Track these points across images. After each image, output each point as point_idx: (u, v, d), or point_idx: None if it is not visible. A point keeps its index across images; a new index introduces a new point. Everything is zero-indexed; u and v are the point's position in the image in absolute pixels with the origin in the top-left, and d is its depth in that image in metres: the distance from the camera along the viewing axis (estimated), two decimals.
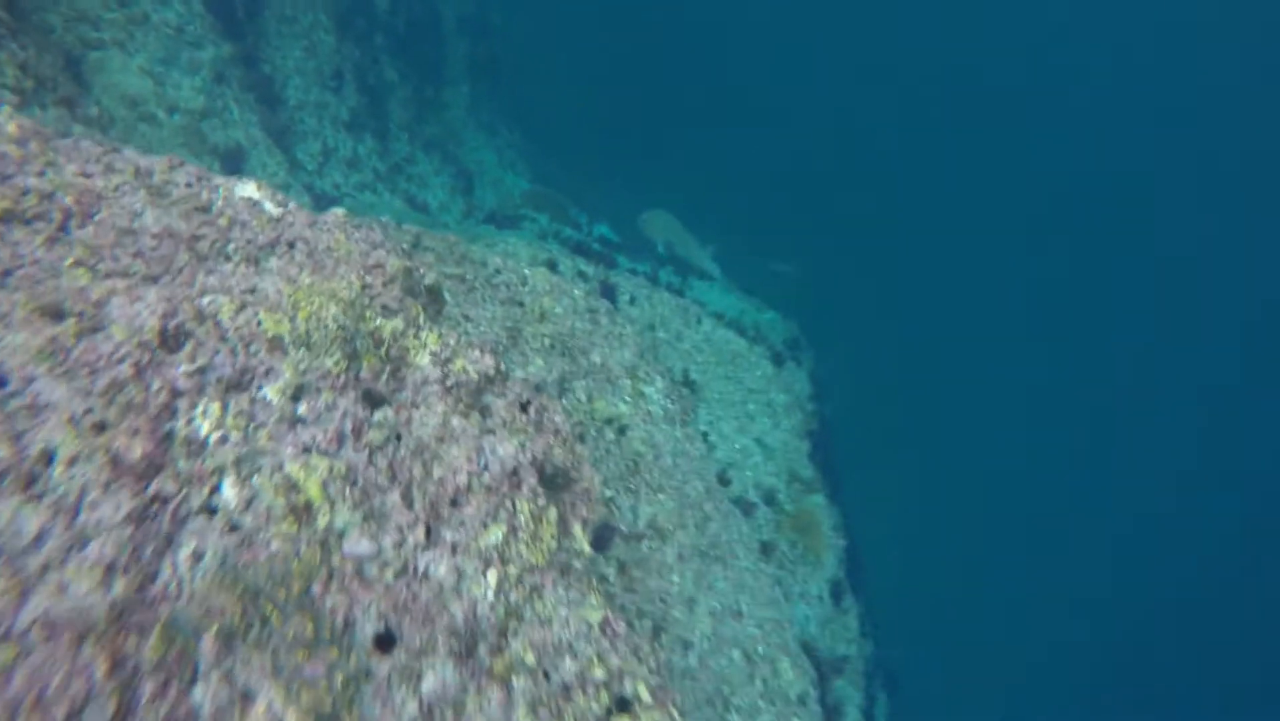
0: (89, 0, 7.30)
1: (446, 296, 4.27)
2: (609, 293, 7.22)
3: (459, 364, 3.09)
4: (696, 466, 5.67)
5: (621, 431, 5.01)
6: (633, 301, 7.49)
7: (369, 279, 3.06)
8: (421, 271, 3.51)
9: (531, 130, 19.64)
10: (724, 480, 6.44)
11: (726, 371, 7.80)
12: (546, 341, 5.04)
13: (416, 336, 3.04)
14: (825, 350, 14.26)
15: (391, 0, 12.76)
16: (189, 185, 2.96)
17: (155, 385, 2.26)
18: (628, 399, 5.29)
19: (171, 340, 2.45)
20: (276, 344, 2.60)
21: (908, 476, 21.72)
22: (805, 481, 7.61)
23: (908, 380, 25.76)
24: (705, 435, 6.67)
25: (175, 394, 2.29)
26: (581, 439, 4.77)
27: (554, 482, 3.15)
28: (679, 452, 5.49)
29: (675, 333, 7.61)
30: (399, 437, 2.79)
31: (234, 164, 7.47)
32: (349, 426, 2.65)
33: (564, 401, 4.87)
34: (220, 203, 2.95)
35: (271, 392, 2.50)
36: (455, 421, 2.96)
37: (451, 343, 3.11)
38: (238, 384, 2.45)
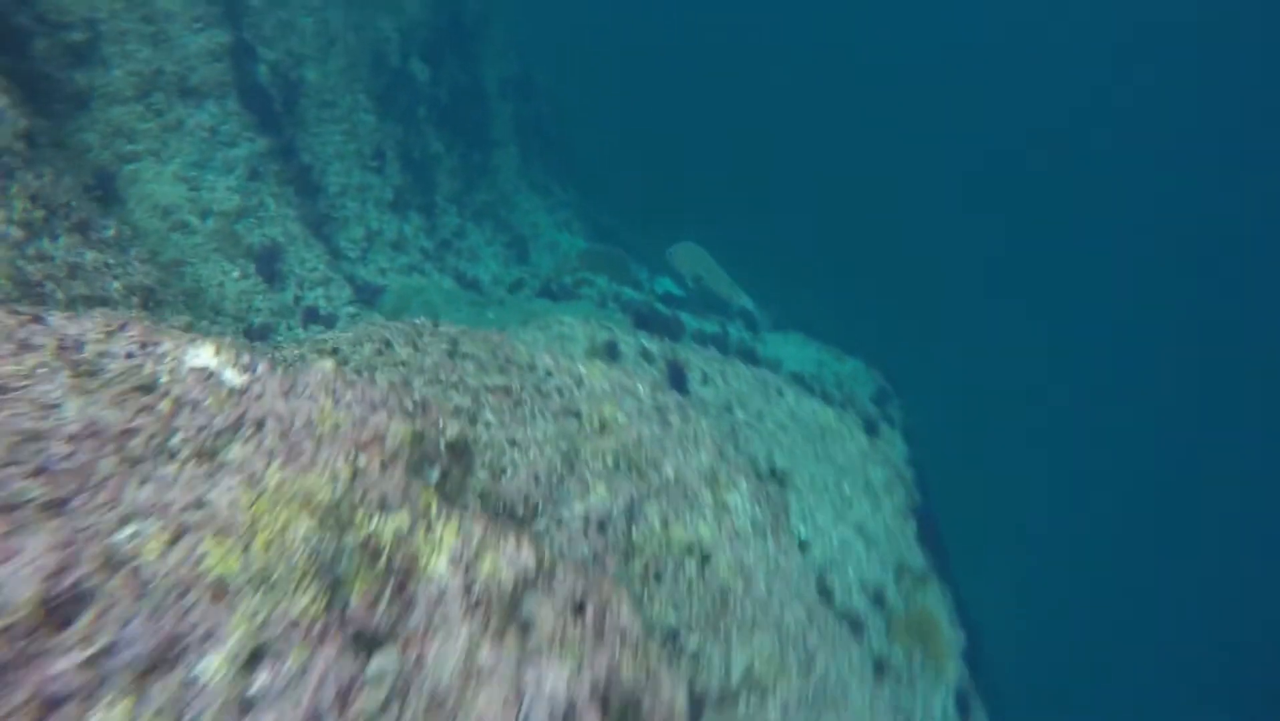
0: (125, 113, 7.08)
1: (477, 444, 3.55)
2: (678, 377, 6.45)
3: (487, 564, 2.32)
4: (794, 584, 4.78)
5: (705, 560, 4.19)
6: (705, 380, 6.71)
7: (362, 460, 2.34)
8: (440, 426, 2.78)
9: (585, 185, 19.28)
10: (825, 589, 5.50)
11: (816, 450, 6.91)
12: (609, 459, 4.28)
13: (428, 533, 2.30)
14: (912, 396, 13.14)
15: (432, 71, 12.54)
16: (129, 356, 2.31)
17: (20, 695, 1.56)
18: (709, 516, 4.47)
19: (61, 611, 1.75)
20: (222, 589, 1.89)
21: (1007, 526, 20.04)
22: (916, 572, 6.58)
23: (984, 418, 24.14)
24: (799, 535, 5.76)
25: (52, 704, 1.58)
26: (659, 577, 3.97)
27: (624, 715, 2.34)
28: (773, 571, 4.63)
29: (755, 411, 6.78)
30: (405, 694, 2.04)
31: (269, 263, 7.07)
32: (329, 695, 1.91)
33: (635, 531, 4.08)
34: (166, 378, 2.29)
35: (212, 668, 1.78)
36: (485, 651, 2.19)
37: (477, 535, 2.35)
38: (159, 663, 1.74)
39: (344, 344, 4.58)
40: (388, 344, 4.67)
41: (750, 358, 10.39)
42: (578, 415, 4.56)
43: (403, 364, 4.48)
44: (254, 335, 6.36)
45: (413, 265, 9.36)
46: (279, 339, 6.54)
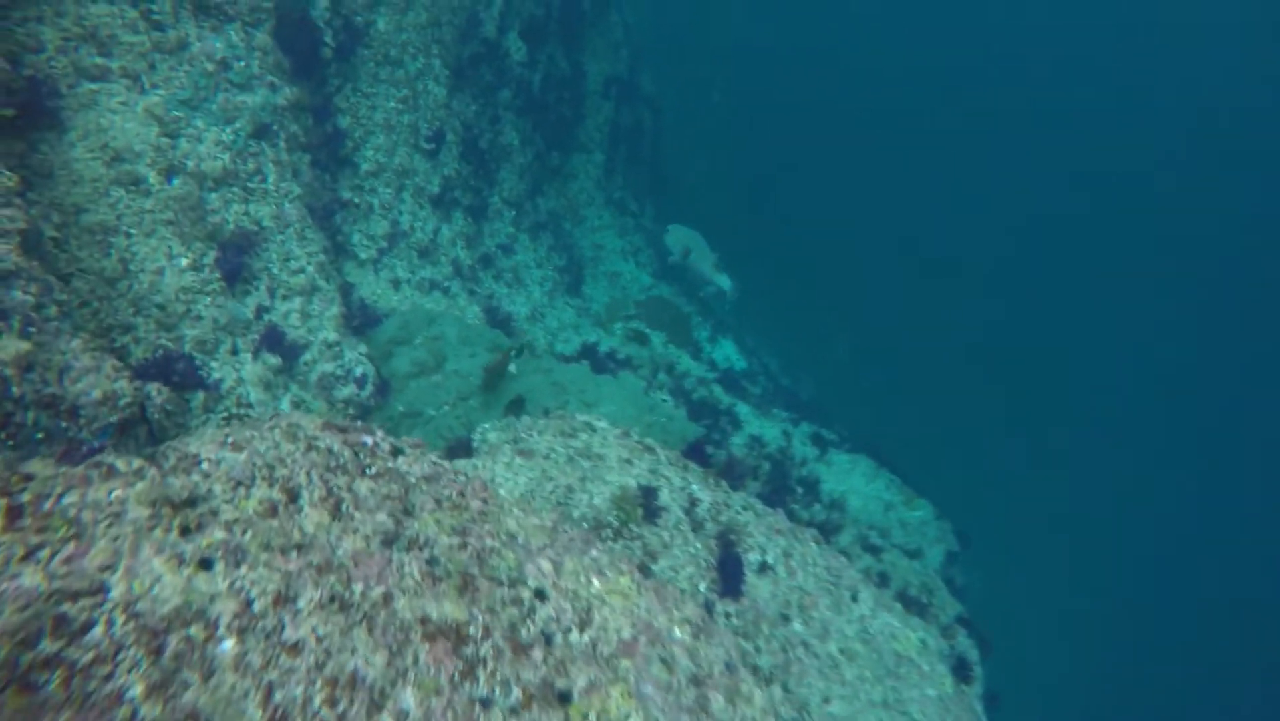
0: (107, 14, 5.37)
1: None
2: (731, 571, 4.55)
3: None
4: None
5: None
6: (763, 569, 4.81)
7: None
8: None
9: (667, 209, 17.45)
10: None
11: (885, 692, 4.98)
12: None
13: None
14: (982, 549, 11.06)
15: (530, 51, 10.79)
16: None
17: None
18: None
19: None
20: None
21: None
22: None
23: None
24: None
25: None
26: None
27: None
28: None
29: (820, 626, 4.86)
30: None
31: (237, 255, 5.29)
32: None
33: None
34: None
35: None
36: None
37: None
38: None
39: (220, 480, 2.76)
40: (295, 494, 2.84)
41: (813, 491, 8.43)
42: (565, 701, 2.69)
43: (298, 548, 2.64)
44: (173, 361, 4.57)
45: (436, 282, 7.57)
46: (207, 371, 4.75)
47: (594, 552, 3.41)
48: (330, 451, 3.05)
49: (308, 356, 5.50)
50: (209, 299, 5.02)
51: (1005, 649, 8.66)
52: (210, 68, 5.78)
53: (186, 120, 5.55)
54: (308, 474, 2.92)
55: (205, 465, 2.80)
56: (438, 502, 3.14)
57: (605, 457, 5.20)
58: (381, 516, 2.91)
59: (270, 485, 2.82)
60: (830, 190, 27.30)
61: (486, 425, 6.32)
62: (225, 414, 4.69)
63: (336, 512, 2.85)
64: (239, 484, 2.76)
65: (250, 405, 4.88)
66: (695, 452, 5.91)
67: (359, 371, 5.81)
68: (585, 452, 5.20)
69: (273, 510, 2.73)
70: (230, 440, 2.93)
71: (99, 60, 5.27)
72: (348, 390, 5.65)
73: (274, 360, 5.14)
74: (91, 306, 4.57)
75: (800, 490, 7.99)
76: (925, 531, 9.79)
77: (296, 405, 5.16)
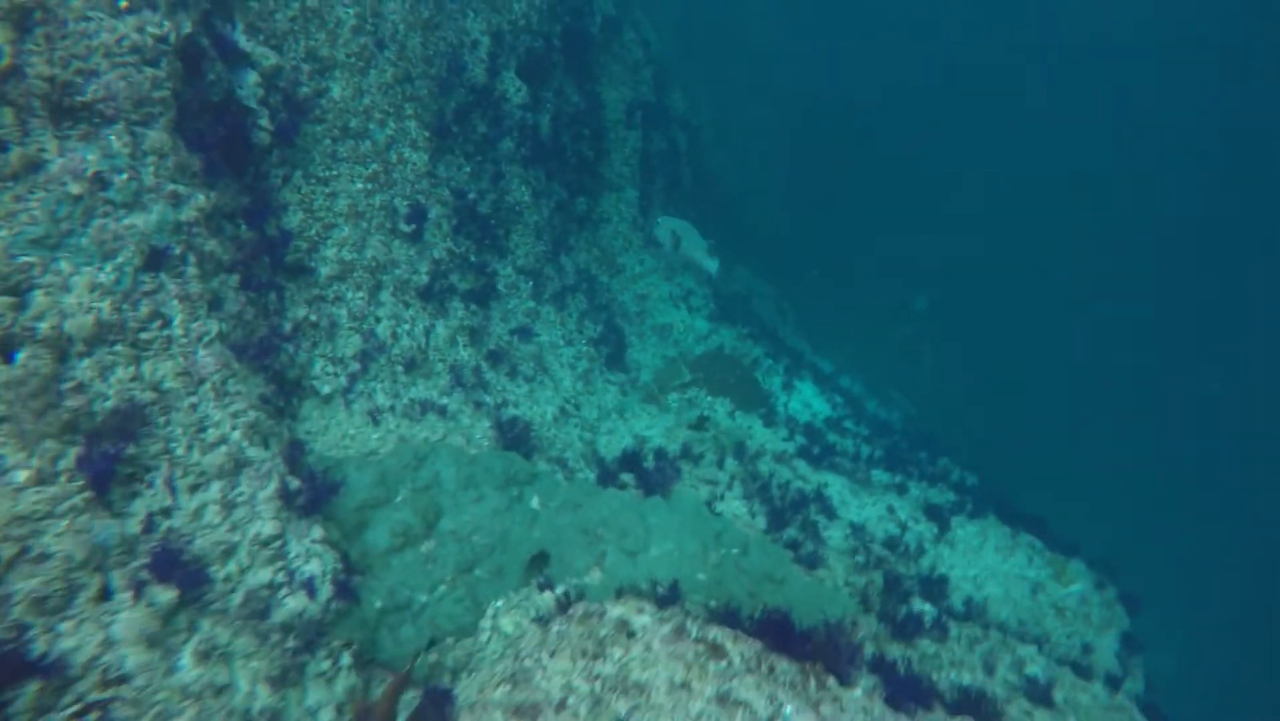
0: None
1: None
2: None
3: None
4: None
5: None
6: None
7: None
8: None
9: (722, 231, 15.61)
10: None
11: None
12: None
13: None
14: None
15: (532, 90, 9.21)
16: None
17: None
18: None
19: None
20: None
21: None
22: None
23: None
24: None
25: None
26: None
27: None
28: None
29: None
30: None
31: (111, 450, 3.78)
32: None
33: None
34: None
35: None
36: None
37: None
38: None
39: None
40: None
41: (940, 591, 6.43)
42: None
43: None
44: None
45: (430, 402, 5.96)
46: None
47: None
48: None
49: (228, 569, 3.93)
50: (63, 522, 3.50)
51: None
52: (76, 189, 4.33)
53: (43, 265, 4.10)
54: None
55: None
56: None
57: (650, 688, 3.42)
58: None
59: None
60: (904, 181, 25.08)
61: (499, 603, 4.66)
62: (77, 711, 3.13)
63: None
64: None
65: (126, 678, 3.32)
66: (778, 631, 4.07)
67: (309, 571, 4.22)
68: (620, 684, 3.44)
69: None
70: None
71: None
72: (292, 604, 4.05)
73: (167, 595, 3.59)
74: None
75: (926, 606, 6.01)
76: (1088, 613, 7.61)
77: (205, 656, 3.58)
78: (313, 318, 5.57)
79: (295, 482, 4.49)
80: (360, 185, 6.47)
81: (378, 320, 6.09)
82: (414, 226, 6.67)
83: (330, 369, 5.55)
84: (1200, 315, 26.68)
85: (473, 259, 7.46)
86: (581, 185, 10.46)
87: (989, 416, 20.47)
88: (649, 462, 6.54)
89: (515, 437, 6.17)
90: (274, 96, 6.03)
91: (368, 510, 4.86)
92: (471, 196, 7.62)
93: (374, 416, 5.58)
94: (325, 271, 5.87)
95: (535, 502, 5.56)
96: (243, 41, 5.86)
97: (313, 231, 5.95)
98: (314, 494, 4.47)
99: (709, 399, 8.84)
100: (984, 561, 7.61)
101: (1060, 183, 28.15)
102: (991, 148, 27.94)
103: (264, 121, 5.86)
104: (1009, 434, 20.28)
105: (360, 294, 6.04)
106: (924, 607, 5.98)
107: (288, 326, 5.38)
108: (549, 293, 8.47)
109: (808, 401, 11.20)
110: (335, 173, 6.35)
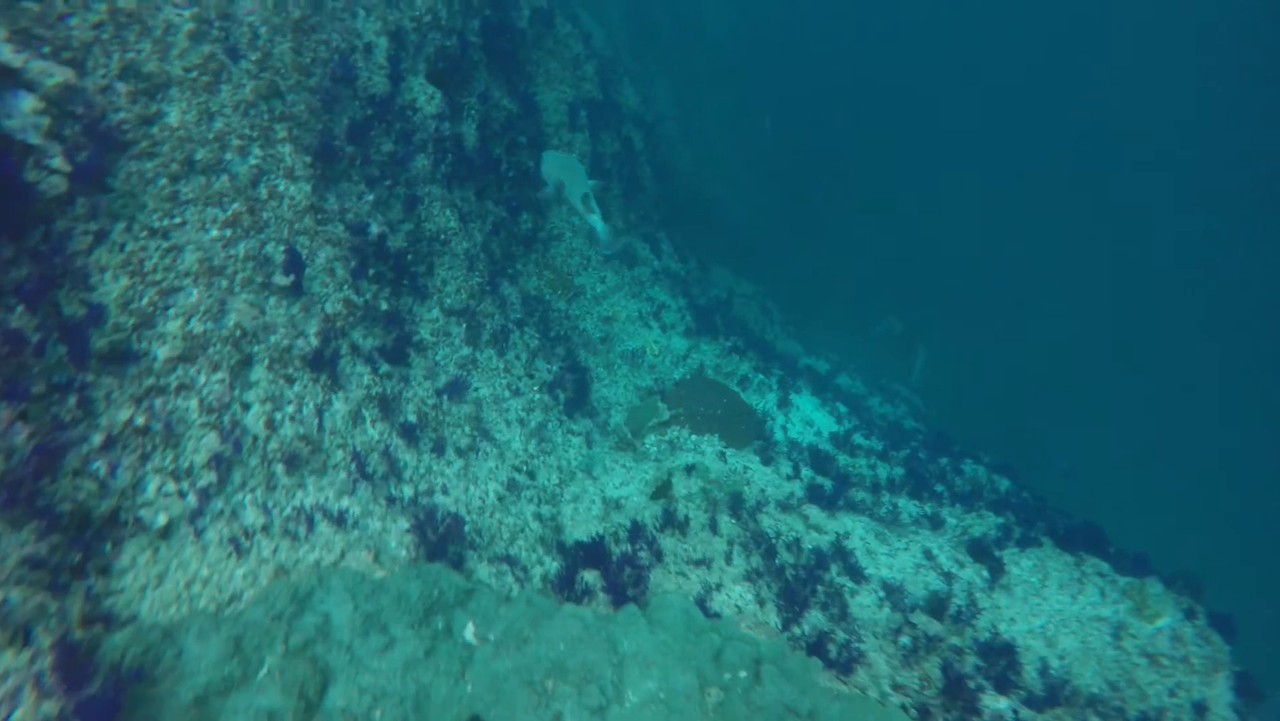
0: None
1: None
2: None
3: None
4: None
5: None
6: None
7: None
8: None
9: (691, 234, 14.14)
10: None
11: None
12: None
13: None
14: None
15: (448, 96, 7.72)
16: None
17: None
18: None
19: None
20: None
21: None
22: None
23: None
24: None
25: None
26: None
27: None
28: None
29: None
30: None
31: None
32: None
33: None
34: None
35: None
36: None
37: None
38: None
39: None
40: None
41: (1007, 659, 4.96)
42: None
43: None
44: None
45: (324, 508, 4.45)
46: None
47: None
48: None
49: None
50: None
51: None
52: None
53: None
54: None
55: None
56: None
57: None
58: None
59: None
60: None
61: None
62: None
63: None
64: None
65: None
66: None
67: None
68: None
69: None
70: None
71: None
72: None
73: None
74: None
75: (1001, 702, 4.54)
76: (1186, 655, 6.16)
77: None
78: (140, 420, 4.04)
79: (61, 705, 2.96)
80: (215, 232, 4.96)
81: (245, 407, 4.57)
82: (292, 277, 5.16)
83: (169, 486, 4.02)
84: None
85: (383, 306, 5.95)
86: (524, 200, 8.98)
87: (990, 403, 19.14)
88: (619, 550, 5.03)
89: (442, 538, 4.66)
90: (68, 127, 4.52)
91: (212, 701, 3.35)
92: (376, 230, 6.12)
93: (238, 544, 4.06)
94: (163, 353, 4.35)
95: (469, 633, 4.06)
96: (4, 54, 4.34)
97: (144, 301, 4.43)
98: (111, 688, 2.95)
99: (694, 437, 7.35)
100: (1050, 605, 6.15)
101: (1058, 171, 26.94)
102: (973, 127, 26.72)
103: (55, 161, 4.35)
104: (1014, 422, 18.95)
105: (219, 376, 4.52)
106: (999, 706, 4.50)
107: (97, 439, 3.86)
108: (488, 333, 6.97)
109: (809, 417, 9.74)
110: (178, 220, 4.83)
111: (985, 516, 7.38)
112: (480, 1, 8.82)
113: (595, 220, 7.77)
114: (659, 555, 5.07)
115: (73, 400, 3.83)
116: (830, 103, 24.15)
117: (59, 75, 4.54)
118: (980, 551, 6.36)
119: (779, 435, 8.76)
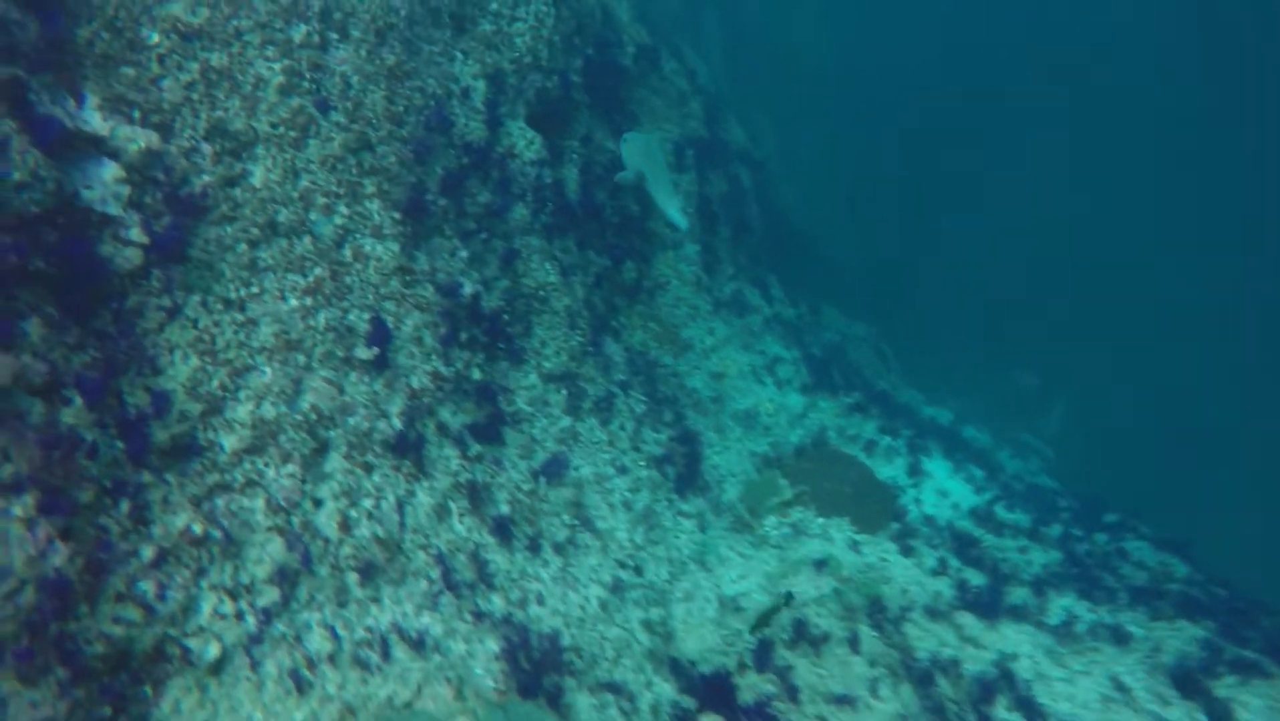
0: None
1: None
2: None
3: None
4: None
5: None
6: None
7: None
8: None
9: (807, 277, 13.19)
10: None
11: None
12: None
13: None
14: None
15: (549, 141, 7.19)
16: None
17: None
18: None
19: None
20: None
21: None
22: None
23: None
24: None
25: None
26: None
27: None
28: None
29: None
30: None
31: None
32: None
33: None
34: None
35: None
36: None
37: None
38: None
39: None
40: None
41: None
42: None
43: None
44: None
45: (402, 628, 3.79)
46: None
47: None
48: None
49: None
50: None
51: None
52: None
53: None
54: None
55: None
56: None
57: None
58: None
59: None
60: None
61: None
62: None
63: None
64: None
65: None
66: None
67: None
68: None
69: None
70: None
71: None
72: None
73: None
74: None
75: None
76: None
77: None
78: (198, 528, 3.50)
79: None
80: (294, 302, 4.47)
81: (317, 504, 3.99)
82: (376, 349, 4.61)
83: (226, 607, 3.45)
84: None
85: (476, 376, 5.35)
86: (628, 247, 8.33)
87: (1136, 451, 17.09)
88: (745, 685, 4.14)
89: (537, 665, 3.92)
90: (150, 195, 4.13)
91: None
92: (469, 291, 5.55)
93: (299, 677, 3.43)
94: (230, 444, 3.83)
95: None
96: (94, 122, 3.99)
97: (213, 385, 3.93)
98: None
99: (820, 520, 6.39)
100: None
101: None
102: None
103: (133, 233, 3.95)
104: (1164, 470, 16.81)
105: (289, 468, 3.97)
106: None
107: (148, 553, 3.33)
108: (590, 400, 6.28)
109: (943, 487, 8.56)
110: (255, 289, 4.37)
111: (1179, 626, 6.05)
112: (583, 40, 8.31)
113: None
114: (793, 692, 4.15)
115: (125, 507, 3.31)
116: (938, 127, 22.76)
117: (143, 140, 4.17)
118: (1188, 683, 5.10)
119: (912, 509, 7.65)
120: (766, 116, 17.09)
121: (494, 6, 6.81)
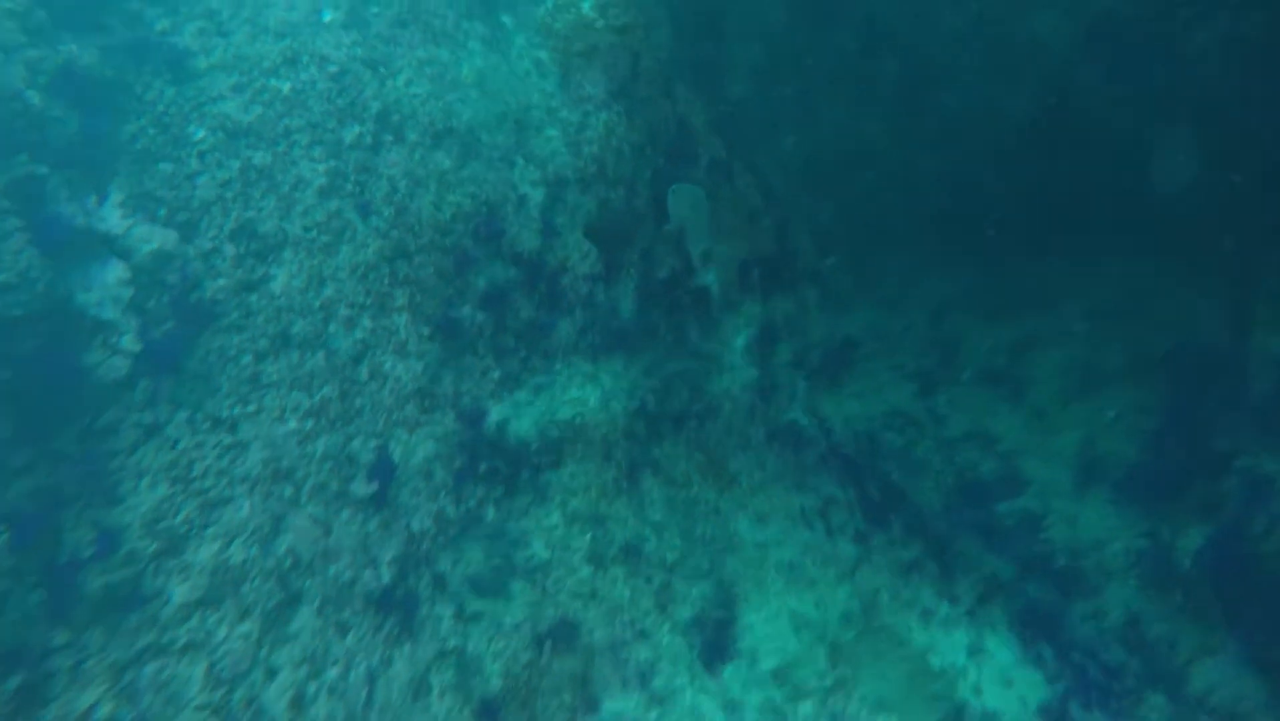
0: None
1: None
2: None
3: None
4: None
5: None
6: None
7: None
8: None
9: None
10: None
11: None
12: None
13: None
14: None
15: (606, 255, 6.79)
16: None
17: None
18: None
19: None
20: None
21: None
22: None
23: None
24: None
25: None
26: None
27: None
28: None
29: None
30: None
31: None
32: None
33: None
34: None
35: None
36: None
37: None
38: None
39: None
40: None
41: None
42: None
43: None
44: None
45: None
46: None
47: None
48: None
49: None
50: None
51: None
52: None
53: None
54: None
55: None
56: None
57: None
58: None
59: None
60: None
61: None
62: None
63: None
64: None
65: None
66: None
67: None
68: None
69: None
70: None
71: None
72: None
73: None
74: None
75: None
76: None
77: None
78: (103, 712, 2.92)
79: None
80: (293, 424, 4.00)
81: (270, 675, 3.38)
82: (376, 483, 4.07)
83: None
84: None
85: (490, 514, 4.76)
86: (677, 370, 7.77)
87: None
88: None
89: None
90: (156, 298, 3.76)
91: None
92: (496, 418, 5.03)
93: None
94: (181, 595, 3.29)
95: None
96: (110, 220, 3.68)
97: (177, 520, 3.43)
98: None
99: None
100: None
101: None
102: None
103: (125, 340, 3.56)
104: None
105: (245, 627, 3.39)
106: None
107: None
108: (617, 546, 5.60)
109: (1007, 674, 7.43)
110: (253, 408, 3.92)
111: None
112: (654, 151, 8.03)
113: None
114: None
115: (14, 683, 2.76)
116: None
117: (158, 241, 3.85)
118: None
119: (970, 700, 6.59)
120: (841, 225, 16.66)
121: (564, 115, 6.57)
